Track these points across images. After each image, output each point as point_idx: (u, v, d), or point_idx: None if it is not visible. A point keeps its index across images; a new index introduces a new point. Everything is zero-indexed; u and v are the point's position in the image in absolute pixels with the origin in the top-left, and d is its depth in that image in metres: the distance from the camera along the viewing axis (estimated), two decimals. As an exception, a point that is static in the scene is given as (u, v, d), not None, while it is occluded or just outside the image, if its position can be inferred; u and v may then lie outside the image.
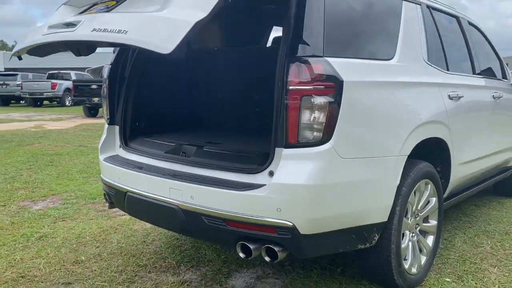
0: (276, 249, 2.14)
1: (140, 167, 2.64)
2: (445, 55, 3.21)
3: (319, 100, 2.06)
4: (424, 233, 2.97)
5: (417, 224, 2.88)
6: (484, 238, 3.70)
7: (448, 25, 3.50)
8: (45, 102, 24.09)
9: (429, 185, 2.86)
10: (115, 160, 2.88)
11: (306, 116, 2.07)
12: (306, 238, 2.12)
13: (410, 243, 2.79)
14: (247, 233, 2.17)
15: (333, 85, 2.09)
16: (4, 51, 65.47)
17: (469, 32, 3.76)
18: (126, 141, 2.98)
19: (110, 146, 3.04)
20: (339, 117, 2.11)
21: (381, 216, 2.41)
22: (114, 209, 4.16)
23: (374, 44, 2.55)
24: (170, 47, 1.77)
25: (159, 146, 2.81)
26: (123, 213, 3.92)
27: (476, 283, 2.88)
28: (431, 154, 3.04)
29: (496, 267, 3.13)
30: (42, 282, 2.85)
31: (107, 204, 2.99)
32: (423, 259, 2.91)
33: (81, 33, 2.05)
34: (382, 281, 2.71)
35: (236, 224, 2.18)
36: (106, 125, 3.08)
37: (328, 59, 2.12)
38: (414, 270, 2.80)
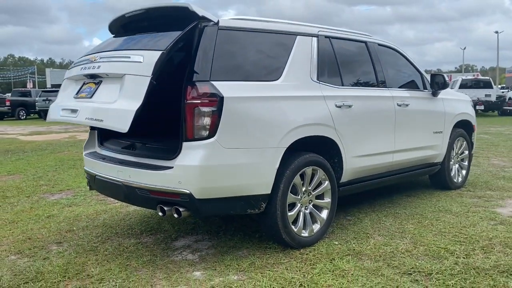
0: (180, 209, 3.21)
1: (103, 158, 3.80)
2: (340, 74, 4.18)
3: (205, 109, 3.13)
4: (318, 207, 3.95)
5: (310, 200, 3.88)
6: (390, 218, 4.61)
7: (351, 50, 4.47)
8: (84, 115, 26.02)
9: (318, 171, 3.85)
10: (92, 155, 4.04)
11: (197, 120, 3.14)
12: (200, 202, 3.18)
13: (301, 213, 3.78)
14: (163, 199, 3.26)
15: (216, 100, 3.15)
16: (51, 69, 69.77)
17: (378, 53, 4.69)
18: (101, 141, 4.14)
19: (91, 145, 4.21)
20: (221, 120, 3.16)
21: (264, 189, 3.43)
22: (111, 199, 5.30)
23: (260, 70, 3.58)
24: (125, 128, 3.03)
25: (121, 144, 3.94)
26: (117, 201, 5.07)
27: (355, 245, 3.82)
28: (328, 149, 4.02)
29: (382, 236, 4.06)
30: (42, 242, 4.03)
31: (88, 186, 4.15)
32: (317, 227, 3.89)
33: (80, 120, 3.43)
34: (275, 239, 3.72)
35: (156, 193, 3.27)
36: (89, 130, 4.26)
37: (214, 82, 3.19)
38: (305, 234, 3.78)
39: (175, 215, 3.25)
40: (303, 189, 3.79)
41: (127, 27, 3.96)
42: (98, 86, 3.51)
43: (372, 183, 4.60)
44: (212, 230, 4.29)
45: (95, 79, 3.57)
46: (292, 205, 3.72)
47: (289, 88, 3.66)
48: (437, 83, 5.20)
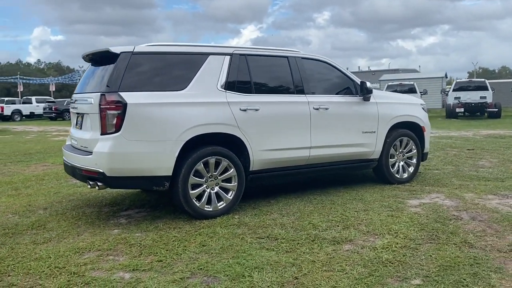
0: (99, 183, 4.54)
1: (68, 149, 5.27)
2: (251, 84, 5.22)
3: (113, 112, 4.42)
4: (226, 189, 5.03)
5: (217, 183, 4.98)
6: (303, 202, 5.51)
7: (268, 64, 5.46)
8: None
9: (223, 160, 4.94)
10: (66, 147, 5.51)
11: (108, 120, 4.44)
12: (110, 178, 4.47)
13: (206, 192, 4.90)
14: (89, 176, 4.61)
15: (121, 105, 4.42)
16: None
17: (300, 66, 5.60)
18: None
19: (67, 141, 5.70)
20: (124, 120, 4.42)
21: (165, 172, 4.61)
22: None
23: (167, 83, 4.76)
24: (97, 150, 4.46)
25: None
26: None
27: (248, 219, 4.83)
28: (235, 143, 5.07)
29: (278, 214, 5.01)
30: (35, 208, 5.60)
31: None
32: (222, 205, 4.98)
33: (79, 147, 5.03)
34: (182, 210, 4.89)
35: (85, 171, 4.63)
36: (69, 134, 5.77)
37: (121, 93, 4.46)
38: (209, 208, 4.89)
39: (97, 188, 4.59)
40: (209, 174, 4.91)
41: (90, 59, 5.36)
42: (82, 119, 5.06)
43: (288, 173, 5.55)
44: (154, 205, 5.56)
45: (80, 114, 5.12)
46: (199, 185, 4.86)
47: (192, 96, 4.81)
48: (365, 88, 5.95)
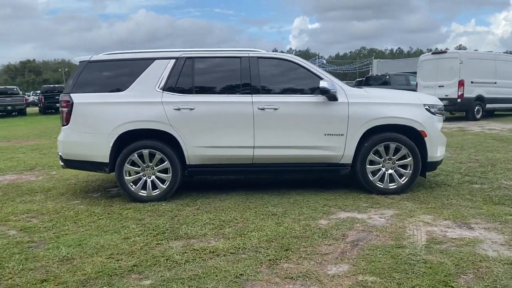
0: (62, 163, 5.90)
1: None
2: (192, 85, 5.67)
3: (64, 109, 5.67)
4: (161, 179, 5.73)
5: (153, 173, 5.73)
6: (247, 201, 5.68)
7: (215, 66, 5.77)
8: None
9: (156, 153, 5.64)
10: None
11: (63, 116, 5.72)
12: (65, 160, 5.78)
13: (142, 180, 5.71)
14: (59, 157, 6.01)
15: (70, 104, 5.63)
16: (379, 59, 73.87)
17: (253, 66, 5.66)
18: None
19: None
20: (71, 116, 5.62)
21: (102, 159, 5.62)
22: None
23: (111, 85, 5.69)
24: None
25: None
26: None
27: (169, 207, 5.45)
28: (169, 139, 5.67)
29: (198, 209, 5.43)
30: (90, 175, 7.41)
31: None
32: (157, 192, 5.71)
33: None
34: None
35: (59, 154, 6.05)
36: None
37: (71, 94, 5.65)
38: (144, 193, 5.71)
39: (61, 166, 5.98)
40: (145, 164, 5.70)
41: None
42: None
43: (232, 170, 5.83)
44: (138, 186, 6.63)
45: None
46: (137, 173, 5.73)
47: (129, 96, 5.64)
48: (319, 89, 5.58)
